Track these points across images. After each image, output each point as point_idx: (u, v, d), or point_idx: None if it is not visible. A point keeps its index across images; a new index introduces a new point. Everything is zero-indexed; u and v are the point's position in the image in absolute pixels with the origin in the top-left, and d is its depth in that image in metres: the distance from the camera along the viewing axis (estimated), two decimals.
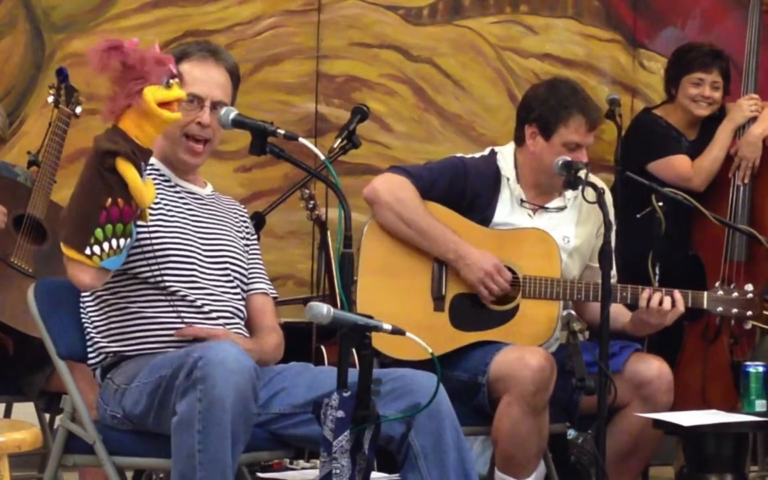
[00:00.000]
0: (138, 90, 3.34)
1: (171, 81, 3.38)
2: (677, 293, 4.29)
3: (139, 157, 3.39)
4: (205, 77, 3.71)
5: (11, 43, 5.65)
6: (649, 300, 4.26)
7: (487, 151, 4.50)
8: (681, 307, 4.29)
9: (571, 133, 4.33)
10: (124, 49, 3.33)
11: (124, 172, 3.37)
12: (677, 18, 6.35)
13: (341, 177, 3.74)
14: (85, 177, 3.42)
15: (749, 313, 4.41)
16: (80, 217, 3.41)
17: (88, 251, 3.40)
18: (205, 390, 3.23)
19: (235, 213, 3.88)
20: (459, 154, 4.50)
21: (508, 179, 4.41)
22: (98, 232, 3.39)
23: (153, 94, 3.35)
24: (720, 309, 4.41)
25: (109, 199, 3.38)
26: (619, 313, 4.39)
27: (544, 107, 4.37)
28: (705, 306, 4.39)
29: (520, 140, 4.45)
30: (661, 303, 4.27)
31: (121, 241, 3.43)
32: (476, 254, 4.27)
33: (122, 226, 3.42)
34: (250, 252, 3.85)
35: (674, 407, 4.33)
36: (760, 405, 4.22)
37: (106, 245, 3.41)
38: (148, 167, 3.71)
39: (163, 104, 3.37)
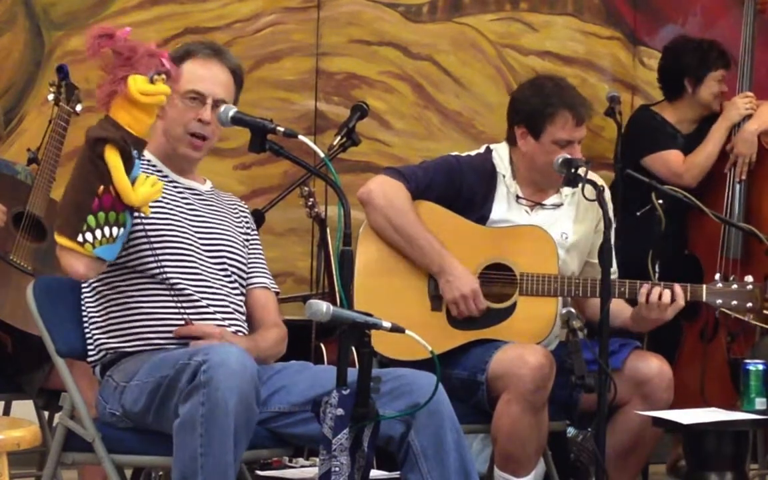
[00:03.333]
0: (123, 77, 3.34)
1: (156, 76, 3.38)
2: (677, 287, 4.27)
3: (131, 145, 3.38)
4: (208, 75, 3.72)
5: (10, 40, 5.63)
6: (648, 294, 4.25)
7: (482, 149, 4.49)
8: (681, 302, 4.27)
9: (558, 130, 4.32)
10: (115, 36, 3.35)
11: (109, 161, 3.36)
12: (677, 15, 6.34)
13: (341, 174, 3.74)
14: (78, 165, 3.43)
15: (749, 304, 4.37)
16: (73, 204, 3.41)
17: (80, 239, 3.39)
18: (208, 394, 3.23)
19: (234, 209, 3.88)
20: (454, 153, 4.49)
21: (503, 176, 4.41)
22: (91, 219, 3.38)
23: (136, 82, 3.35)
24: (719, 301, 4.37)
25: (102, 187, 3.38)
26: (620, 310, 4.38)
27: (529, 107, 4.36)
28: (704, 299, 4.36)
29: (511, 141, 4.44)
30: (660, 297, 4.25)
31: (114, 229, 3.42)
32: (457, 273, 4.25)
33: (115, 215, 3.41)
34: (251, 247, 3.85)
35: (673, 405, 4.32)
36: (760, 403, 4.21)
37: (98, 233, 3.40)
38: (146, 163, 3.72)
39: (147, 97, 3.37)
